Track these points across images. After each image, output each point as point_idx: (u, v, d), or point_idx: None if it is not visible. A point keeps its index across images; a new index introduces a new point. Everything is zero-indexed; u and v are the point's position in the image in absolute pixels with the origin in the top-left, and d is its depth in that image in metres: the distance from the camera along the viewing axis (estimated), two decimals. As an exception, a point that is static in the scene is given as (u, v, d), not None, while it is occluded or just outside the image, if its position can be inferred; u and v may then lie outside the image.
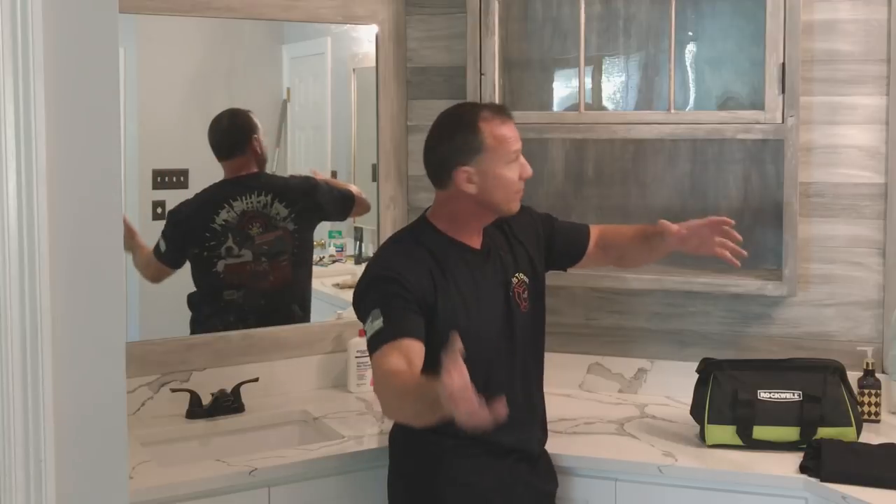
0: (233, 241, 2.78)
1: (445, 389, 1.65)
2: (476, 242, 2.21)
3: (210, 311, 2.83)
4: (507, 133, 2.13)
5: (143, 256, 2.72)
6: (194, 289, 2.79)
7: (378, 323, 2.03)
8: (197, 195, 2.76)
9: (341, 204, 3.02)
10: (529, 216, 2.35)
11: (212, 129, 2.77)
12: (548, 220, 2.41)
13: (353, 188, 3.03)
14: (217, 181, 2.79)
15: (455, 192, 2.14)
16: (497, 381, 2.14)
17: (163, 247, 2.73)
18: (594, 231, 2.45)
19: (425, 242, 2.16)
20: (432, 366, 2.05)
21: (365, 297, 2.11)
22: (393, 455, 2.27)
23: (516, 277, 2.23)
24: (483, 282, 2.18)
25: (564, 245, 2.40)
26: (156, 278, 2.76)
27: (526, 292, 2.24)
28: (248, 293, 2.83)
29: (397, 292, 2.05)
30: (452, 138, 2.13)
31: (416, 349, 2.02)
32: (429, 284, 2.09)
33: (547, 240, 2.36)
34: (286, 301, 2.95)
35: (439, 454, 2.15)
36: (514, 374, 2.20)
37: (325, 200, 3.00)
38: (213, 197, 2.78)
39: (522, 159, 2.16)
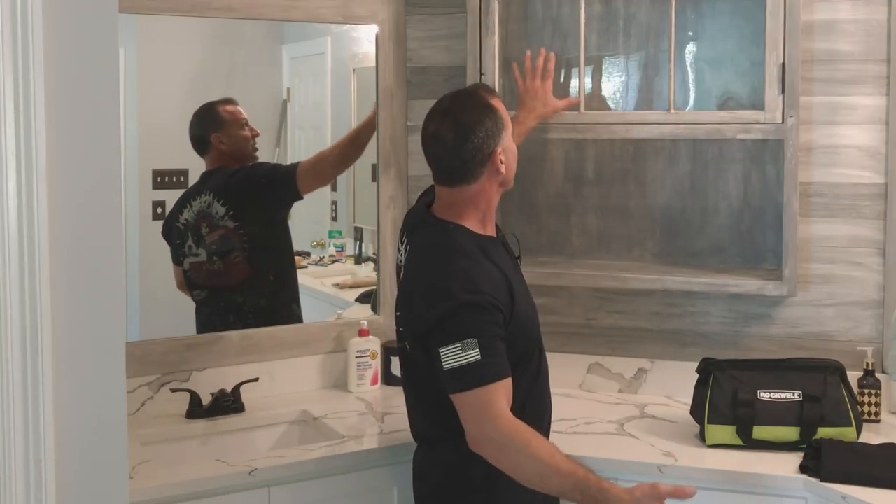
0: (192, 240, 2.79)
1: None
2: (492, 231, 2.19)
3: (209, 311, 2.83)
4: (503, 105, 2.15)
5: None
6: None
7: (474, 355, 1.93)
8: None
9: (282, 183, 2.89)
10: None
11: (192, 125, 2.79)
12: None
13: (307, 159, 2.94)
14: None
15: (485, 182, 2.09)
16: (545, 367, 2.18)
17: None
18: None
19: (478, 249, 2.07)
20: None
21: (454, 321, 1.97)
22: (422, 471, 2.20)
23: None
24: (515, 270, 2.18)
25: None
26: (177, 284, 2.78)
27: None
28: (212, 293, 2.82)
29: (493, 321, 1.98)
30: (483, 123, 2.06)
31: (511, 387, 2.00)
32: (509, 299, 2.04)
33: None
34: (279, 302, 2.95)
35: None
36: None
37: (263, 187, 2.91)
38: (185, 195, 2.79)
39: None
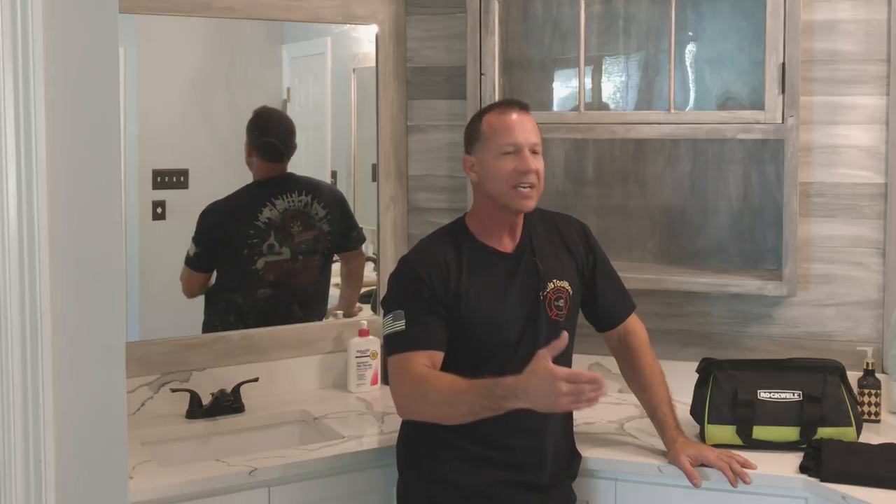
0: (274, 239, 2.82)
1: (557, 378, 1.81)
2: (506, 246, 2.20)
3: (228, 311, 2.84)
4: (504, 123, 2.13)
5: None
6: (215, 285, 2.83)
7: (400, 324, 2.08)
8: (230, 197, 2.78)
9: (356, 234, 3.03)
10: (576, 231, 2.33)
11: (264, 129, 2.83)
12: (595, 251, 2.34)
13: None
14: (249, 182, 2.82)
15: (474, 185, 2.20)
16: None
17: (192, 251, 2.74)
18: (631, 318, 2.40)
19: (451, 239, 2.19)
20: (454, 357, 2.10)
21: (388, 293, 2.18)
22: (399, 466, 2.29)
23: (553, 283, 2.20)
24: (508, 286, 2.17)
25: (603, 305, 2.35)
26: (189, 291, 2.78)
27: (562, 300, 2.21)
28: (281, 291, 2.86)
29: (419, 293, 2.09)
30: (468, 128, 2.23)
31: (438, 359, 2.08)
32: (444, 279, 2.11)
33: (591, 276, 2.31)
34: (310, 300, 2.99)
35: (441, 463, 2.17)
36: None
37: (351, 217, 3.02)
38: (252, 196, 2.82)
39: (525, 154, 2.12)
